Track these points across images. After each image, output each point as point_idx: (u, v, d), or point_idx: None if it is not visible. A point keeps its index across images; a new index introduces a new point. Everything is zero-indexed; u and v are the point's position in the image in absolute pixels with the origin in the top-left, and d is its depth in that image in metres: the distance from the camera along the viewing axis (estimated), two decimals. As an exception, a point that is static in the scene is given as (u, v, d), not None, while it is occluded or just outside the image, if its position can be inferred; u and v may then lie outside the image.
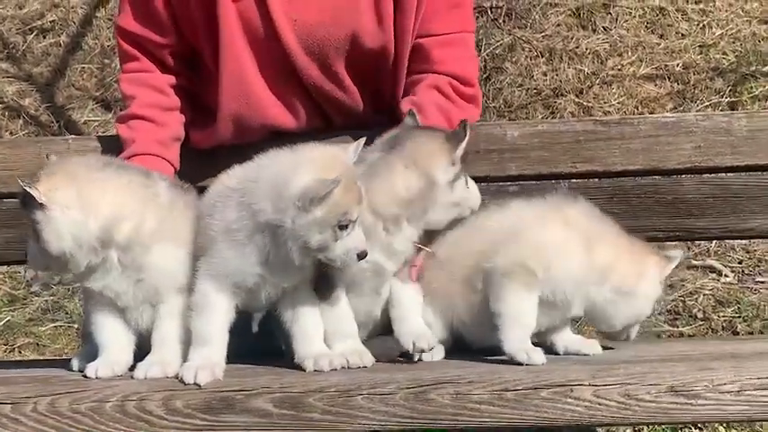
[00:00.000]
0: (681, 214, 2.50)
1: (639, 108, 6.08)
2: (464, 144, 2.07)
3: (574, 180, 2.54)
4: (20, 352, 4.78)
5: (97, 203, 1.96)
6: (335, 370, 1.97)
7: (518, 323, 2.03)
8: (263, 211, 1.91)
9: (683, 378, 1.86)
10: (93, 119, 6.28)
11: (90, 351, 2.10)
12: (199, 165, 2.40)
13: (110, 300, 2.03)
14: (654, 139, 2.51)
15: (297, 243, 1.91)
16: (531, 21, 6.44)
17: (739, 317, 4.85)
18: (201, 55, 2.44)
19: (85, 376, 1.97)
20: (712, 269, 5.19)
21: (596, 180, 2.54)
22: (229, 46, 2.36)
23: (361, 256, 1.94)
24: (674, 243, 4.85)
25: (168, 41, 2.43)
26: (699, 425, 2.87)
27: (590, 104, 6.10)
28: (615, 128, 2.53)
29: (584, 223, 2.11)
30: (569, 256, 2.06)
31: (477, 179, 2.25)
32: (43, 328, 4.96)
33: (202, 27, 2.38)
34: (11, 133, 6.15)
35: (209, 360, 1.93)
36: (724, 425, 2.70)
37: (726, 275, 5.14)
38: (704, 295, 5.00)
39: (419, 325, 2.09)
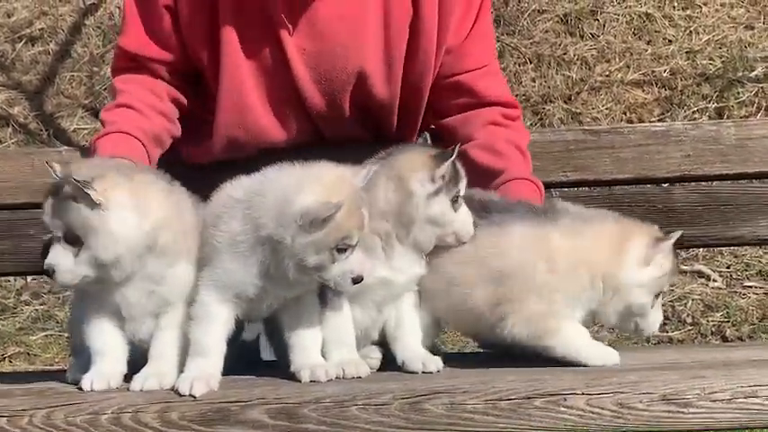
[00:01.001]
0: (671, 223, 2.51)
1: (627, 114, 6.12)
2: (448, 163, 2.04)
3: (565, 189, 2.55)
4: (10, 361, 4.78)
5: (149, 206, 1.94)
6: (331, 380, 1.98)
7: None
8: (265, 226, 1.92)
9: (675, 386, 1.87)
10: (82, 127, 6.28)
11: (82, 362, 2.09)
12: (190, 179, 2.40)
13: (109, 309, 2.02)
14: (644, 148, 2.54)
15: (294, 260, 1.92)
16: (519, 27, 6.47)
17: (728, 321, 4.89)
18: (203, 73, 2.45)
19: (80, 389, 1.96)
20: (701, 274, 5.23)
21: (587, 189, 2.56)
22: (231, 66, 2.37)
23: (357, 280, 1.95)
24: None
25: (171, 58, 2.42)
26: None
27: (578, 111, 6.14)
28: (605, 137, 2.55)
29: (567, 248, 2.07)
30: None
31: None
32: (34, 338, 4.96)
33: (207, 47, 2.39)
34: (0, 141, 6.14)
35: (206, 371, 1.93)
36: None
37: (714, 280, 5.18)
38: (693, 300, 5.04)
39: (422, 348, 2.12)
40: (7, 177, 2.48)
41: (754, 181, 2.53)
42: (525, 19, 6.51)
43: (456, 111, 2.48)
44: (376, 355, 2.15)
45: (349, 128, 2.48)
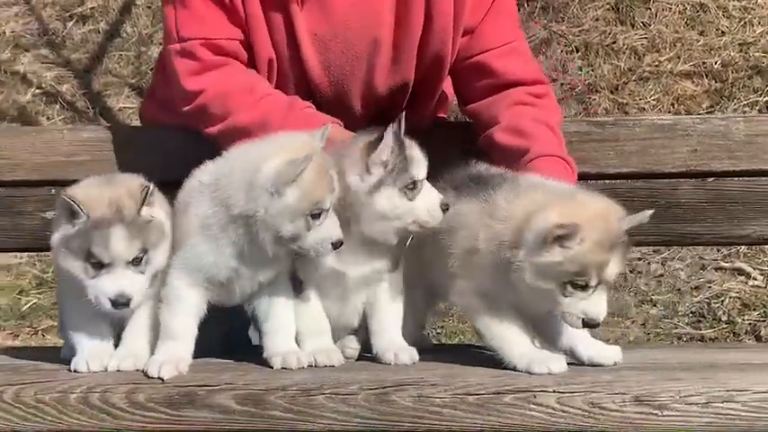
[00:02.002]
0: (675, 219, 2.46)
1: (675, 105, 6.00)
2: (381, 150, 1.95)
3: (565, 181, 2.49)
4: (43, 335, 4.86)
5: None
6: (303, 368, 1.97)
7: None
8: (235, 204, 1.92)
9: (649, 387, 1.83)
10: (128, 106, 6.36)
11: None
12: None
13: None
14: (649, 142, 2.47)
15: (270, 233, 1.91)
16: (568, 14, 6.37)
17: (764, 321, 4.77)
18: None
19: (75, 371, 1.97)
20: (741, 271, 5.10)
21: (589, 181, 2.50)
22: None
23: (336, 245, 1.93)
24: (668, 248, 4.81)
25: (243, 38, 2.35)
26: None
27: (625, 101, 6.02)
28: (610, 129, 2.50)
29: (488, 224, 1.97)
30: None
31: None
32: (68, 312, 5.03)
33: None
34: (48, 118, 6.25)
35: (175, 355, 1.94)
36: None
37: (754, 278, 5.05)
38: (730, 298, 4.92)
39: (399, 339, 2.08)
40: (7, 154, 2.51)
41: (762, 178, 2.45)
42: (575, 6, 6.40)
43: (480, 95, 2.42)
44: (354, 345, 2.13)
45: (356, 116, 2.45)
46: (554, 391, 1.83)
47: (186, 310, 1.98)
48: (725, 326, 4.79)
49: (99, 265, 1.92)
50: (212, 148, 2.20)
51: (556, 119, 2.39)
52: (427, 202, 1.99)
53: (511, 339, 1.95)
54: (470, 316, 2.06)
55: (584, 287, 1.86)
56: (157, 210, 1.99)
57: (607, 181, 2.51)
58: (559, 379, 1.85)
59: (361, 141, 2.01)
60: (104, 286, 1.91)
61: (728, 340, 4.65)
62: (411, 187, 1.98)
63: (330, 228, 1.92)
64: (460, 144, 2.42)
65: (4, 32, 6.65)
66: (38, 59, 6.57)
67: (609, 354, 2.01)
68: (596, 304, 1.88)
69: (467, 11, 2.36)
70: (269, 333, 2.02)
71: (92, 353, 2.01)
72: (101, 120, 6.19)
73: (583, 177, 2.50)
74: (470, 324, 2.99)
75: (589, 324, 1.88)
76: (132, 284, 1.93)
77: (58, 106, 6.31)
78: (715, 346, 3.42)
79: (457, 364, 1.99)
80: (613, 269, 1.86)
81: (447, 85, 2.58)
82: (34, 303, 5.01)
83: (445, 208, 1.99)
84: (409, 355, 2.03)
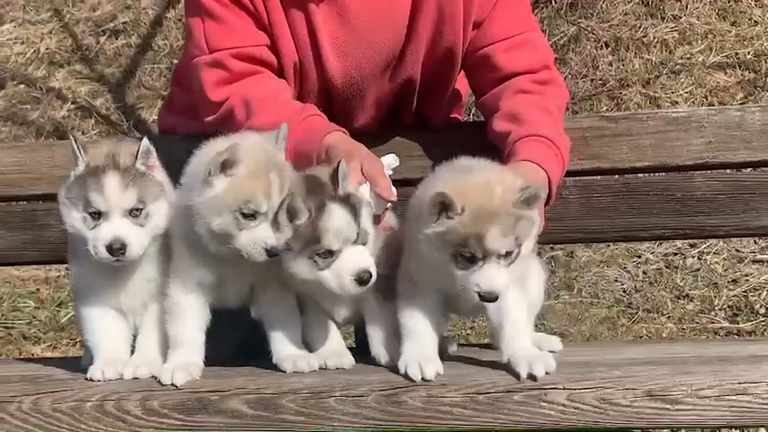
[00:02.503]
0: (690, 212, 2.43)
1: (709, 98, 5.92)
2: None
3: (579, 177, 2.48)
4: (81, 347, 4.93)
5: None
6: (314, 371, 1.98)
7: None
8: (181, 197, 1.98)
9: (661, 382, 1.82)
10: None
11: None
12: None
13: (110, 304, 2.09)
14: (663, 135, 2.45)
15: (203, 226, 1.93)
16: (596, 10, 6.32)
17: (803, 312, 4.70)
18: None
19: (90, 379, 2.00)
20: (781, 264, 5.03)
21: (603, 177, 2.49)
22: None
23: (271, 252, 1.92)
24: (683, 241, 4.74)
25: (264, 42, 2.35)
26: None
27: (657, 95, 5.96)
28: (623, 123, 2.48)
29: None
30: None
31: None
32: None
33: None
34: (82, 132, 6.34)
35: (186, 361, 1.97)
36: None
37: (795, 271, 4.98)
38: (768, 290, 4.85)
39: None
40: (28, 169, 2.56)
41: (779, 168, 2.42)
42: (604, 1, 6.35)
43: (488, 87, 2.41)
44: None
45: (367, 116, 2.47)
46: (564, 388, 1.82)
47: (189, 317, 2.01)
48: (762, 319, 4.73)
49: (97, 215, 1.96)
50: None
51: (556, 102, 2.36)
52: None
53: (410, 333, 1.96)
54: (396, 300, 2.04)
55: (471, 259, 1.84)
56: (159, 172, 2.04)
57: (622, 176, 2.49)
58: (570, 376, 1.84)
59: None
60: (101, 233, 1.95)
61: (766, 333, 4.59)
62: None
63: (265, 233, 1.92)
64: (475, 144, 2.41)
65: (39, 50, 6.77)
66: (72, 75, 6.67)
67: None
68: (488, 276, 1.84)
69: (476, 3, 2.35)
70: (276, 338, 2.04)
71: (107, 361, 2.03)
72: (135, 132, 6.26)
73: (597, 173, 2.50)
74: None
75: (486, 298, 1.85)
76: (129, 232, 1.96)
77: (92, 120, 6.40)
78: (730, 340, 3.38)
79: (467, 363, 1.99)
80: (495, 241, 1.82)
81: (462, 85, 2.58)
82: (73, 315, 5.08)
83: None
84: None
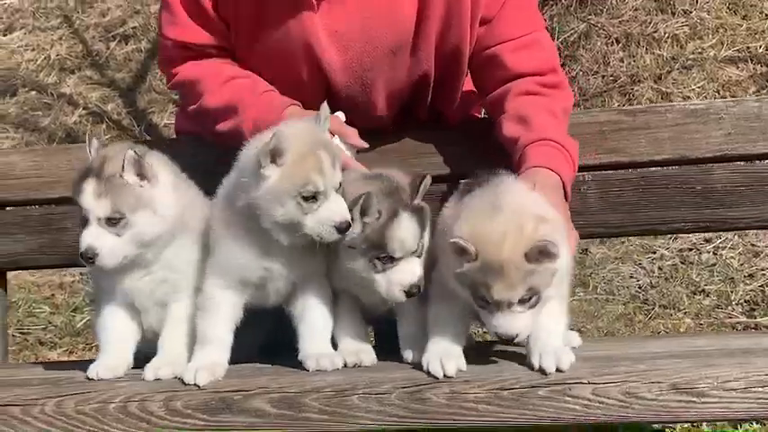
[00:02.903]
0: (710, 204, 2.42)
1: (721, 92, 5.90)
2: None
3: (598, 171, 2.47)
4: (97, 351, 4.93)
5: (180, 186, 2.09)
6: (337, 369, 1.97)
7: None
8: (238, 197, 1.95)
9: (687, 375, 1.80)
10: (172, 122, 6.42)
11: None
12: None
13: (122, 302, 2.09)
14: (681, 128, 2.44)
15: (268, 220, 1.92)
16: (606, 6, 6.30)
17: (821, 306, 4.67)
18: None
19: (89, 378, 2.01)
20: (802, 258, 5.00)
21: (621, 171, 2.47)
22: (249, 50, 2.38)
23: (341, 228, 1.91)
24: (702, 234, 4.72)
25: (216, 42, 2.41)
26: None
27: (669, 90, 5.94)
28: (641, 117, 2.47)
29: None
30: None
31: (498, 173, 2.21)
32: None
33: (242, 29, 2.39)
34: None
35: (210, 360, 1.96)
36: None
37: (811, 264, 4.95)
38: (787, 285, 4.82)
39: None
40: (45, 173, 2.56)
41: (800, 159, 2.40)
42: (614, -3, 6.34)
43: (494, 86, 2.41)
44: None
45: (380, 114, 2.46)
46: (589, 383, 1.81)
47: (222, 316, 2.00)
48: (781, 313, 4.70)
49: (85, 220, 1.99)
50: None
51: (562, 105, 2.37)
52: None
53: (436, 331, 1.97)
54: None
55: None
56: (155, 184, 2.01)
57: (641, 169, 2.48)
58: (594, 370, 1.83)
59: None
60: (81, 239, 1.97)
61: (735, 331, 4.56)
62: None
63: (331, 210, 1.91)
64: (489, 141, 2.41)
65: (50, 56, 6.78)
66: (83, 81, 6.67)
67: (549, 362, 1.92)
68: (503, 322, 1.86)
69: (483, 2, 2.35)
70: (304, 335, 2.04)
71: (105, 363, 2.06)
72: (146, 137, 6.27)
73: (616, 167, 2.49)
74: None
75: (503, 340, 1.87)
76: (99, 241, 1.96)
77: (104, 125, 6.40)
78: (750, 333, 3.36)
79: (490, 359, 1.98)
80: (501, 293, 1.83)
81: None
82: (88, 320, 5.08)
83: None
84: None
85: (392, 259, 1.93)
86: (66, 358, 4.76)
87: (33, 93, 6.58)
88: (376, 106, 2.44)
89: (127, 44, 6.80)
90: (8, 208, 2.67)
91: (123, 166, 1.96)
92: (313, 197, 1.90)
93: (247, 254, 1.97)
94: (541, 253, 1.82)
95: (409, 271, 1.94)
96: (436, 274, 1.99)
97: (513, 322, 1.85)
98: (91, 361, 2.30)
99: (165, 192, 2.02)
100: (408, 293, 1.94)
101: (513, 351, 2.02)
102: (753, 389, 1.78)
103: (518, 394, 1.82)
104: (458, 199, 2.01)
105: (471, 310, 1.94)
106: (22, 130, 6.38)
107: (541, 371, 1.84)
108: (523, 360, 1.91)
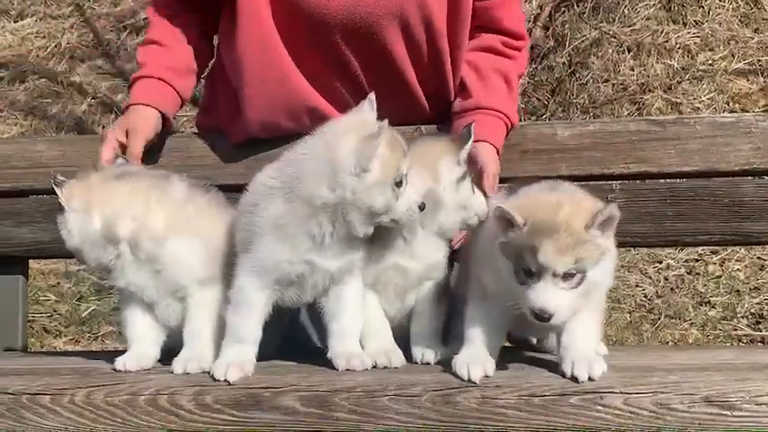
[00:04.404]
0: (737, 217, 2.42)
1: (730, 104, 5.91)
2: (469, 145, 2.07)
3: (625, 181, 2.47)
4: (102, 341, 4.93)
5: (101, 206, 2.08)
6: (366, 369, 1.97)
7: None
8: (318, 197, 1.92)
9: (719, 388, 1.80)
10: (180, 114, 6.37)
11: None
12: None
13: (137, 296, 2.10)
14: (710, 140, 2.44)
15: (361, 212, 1.92)
16: (618, 14, 6.32)
17: (826, 321, 4.68)
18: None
19: (116, 370, 2.02)
20: (808, 271, 5.01)
21: (649, 181, 2.48)
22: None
23: (422, 207, 1.97)
24: (725, 249, 4.72)
25: None
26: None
27: (678, 100, 5.95)
28: (671, 128, 2.47)
29: None
30: None
31: (525, 179, 2.23)
32: (126, 318, 5.10)
33: None
34: (103, 127, 6.33)
35: (241, 357, 1.96)
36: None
37: (816, 278, 4.96)
38: (795, 298, 4.83)
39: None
40: (70, 162, 2.56)
41: (828, 175, 2.40)
42: (626, 6, 6.34)
43: (469, 38, 2.50)
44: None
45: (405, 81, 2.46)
46: (621, 392, 1.81)
47: (253, 313, 1.99)
48: (787, 327, 4.72)
49: None
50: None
51: (516, 72, 2.50)
52: (482, 197, 2.13)
53: (470, 336, 1.96)
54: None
55: (529, 273, 1.84)
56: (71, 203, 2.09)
57: (669, 180, 2.48)
58: (626, 380, 1.83)
59: (448, 136, 2.16)
60: None
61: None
62: (471, 182, 2.10)
63: (412, 192, 1.97)
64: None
65: (60, 44, 6.77)
66: (93, 70, 6.67)
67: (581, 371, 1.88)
68: (540, 294, 1.83)
69: None
70: (335, 334, 2.03)
71: (132, 354, 2.08)
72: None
73: (644, 177, 2.49)
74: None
75: (538, 316, 1.83)
76: None
77: (113, 116, 6.39)
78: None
79: (522, 364, 1.98)
80: (548, 255, 1.81)
81: None
82: (94, 309, 5.08)
83: None
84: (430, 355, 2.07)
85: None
86: (71, 347, 4.76)
87: (43, 80, 6.57)
88: (388, 69, 2.43)
89: (138, 35, 6.79)
90: (33, 196, 2.66)
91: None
92: (401, 182, 1.94)
93: (294, 250, 1.96)
94: (604, 222, 1.83)
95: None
96: (474, 278, 1.98)
97: (553, 297, 1.81)
98: (110, 352, 2.32)
99: (73, 216, 2.12)
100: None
101: (544, 358, 2.02)
102: (784, 404, 1.78)
103: (549, 401, 1.82)
104: (504, 198, 2.01)
105: (509, 313, 1.93)
106: (31, 117, 6.37)
107: (573, 379, 1.84)
108: (555, 367, 1.90)
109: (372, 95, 2.01)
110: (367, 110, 2.00)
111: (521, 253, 1.82)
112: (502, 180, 2.36)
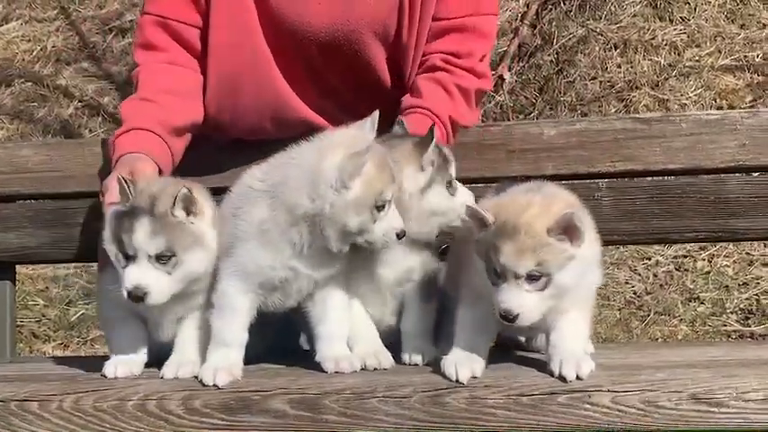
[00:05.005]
0: (724, 214, 2.43)
1: (717, 100, 5.93)
2: (431, 147, 2.01)
3: (612, 179, 2.48)
4: (92, 345, 4.92)
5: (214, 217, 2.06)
6: (356, 371, 1.97)
7: None
8: (299, 205, 1.92)
9: (705, 385, 1.81)
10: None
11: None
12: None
13: (132, 310, 2.08)
14: (696, 138, 2.45)
15: (335, 229, 1.91)
16: (605, 12, 6.33)
17: (814, 316, 4.71)
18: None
19: (104, 376, 2.01)
20: (795, 267, 5.03)
21: (635, 179, 2.49)
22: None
23: (400, 235, 1.94)
24: (714, 245, 4.73)
25: (199, 22, 2.42)
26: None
27: (666, 97, 5.96)
28: (657, 126, 2.48)
29: None
30: None
31: (510, 179, 2.23)
32: (115, 322, 5.08)
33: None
34: (90, 131, 6.32)
35: (228, 361, 1.95)
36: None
37: (804, 273, 4.98)
38: (781, 294, 4.85)
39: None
40: (57, 167, 2.55)
41: (814, 172, 2.41)
42: (612, 3, 6.35)
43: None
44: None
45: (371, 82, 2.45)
46: (609, 391, 1.82)
47: (238, 317, 1.98)
48: (774, 322, 4.73)
49: (127, 256, 1.94)
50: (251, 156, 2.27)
51: (455, 83, 2.39)
52: (465, 198, 2.05)
53: (460, 337, 1.96)
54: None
55: (497, 274, 1.85)
56: (202, 219, 2.01)
57: (655, 178, 2.49)
58: (614, 378, 1.84)
59: (409, 141, 2.05)
60: (126, 276, 1.93)
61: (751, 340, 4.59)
62: (449, 185, 2.05)
63: (393, 218, 1.94)
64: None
65: (46, 48, 6.74)
66: (79, 73, 6.64)
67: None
68: (505, 296, 1.85)
69: None
70: (322, 337, 2.03)
71: (121, 360, 2.05)
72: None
73: (631, 175, 2.50)
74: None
75: (504, 317, 1.85)
76: (149, 279, 1.93)
77: (99, 119, 6.37)
78: (763, 344, 3.37)
79: (510, 364, 1.99)
80: (509, 257, 1.82)
81: None
82: (82, 314, 5.07)
83: None
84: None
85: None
86: (60, 352, 4.75)
87: (29, 84, 6.55)
88: (370, 82, 2.43)
89: (124, 37, 6.78)
90: (19, 201, 2.65)
91: (174, 204, 1.95)
92: (383, 206, 1.92)
93: (277, 256, 1.95)
94: (566, 228, 1.82)
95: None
96: (465, 280, 1.98)
97: (516, 298, 1.82)
98: (97, 357, 2.31)
99: (209, 226, 2.02)
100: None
101: (533, 358, 2.03)
102: (772, 400, 1.79)
103: (537, 401, 1.83)
104: (491, 197, 2.01)
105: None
106: (17, 121, 6.35)
107: (561, 378, 1.85)
108: (543, 367, 1.91)
109: (376, 113, 2.01)
110: (368, 128, 1.99)
111: (488, 253, 1.84)
112: (488, 180, 2.36)
